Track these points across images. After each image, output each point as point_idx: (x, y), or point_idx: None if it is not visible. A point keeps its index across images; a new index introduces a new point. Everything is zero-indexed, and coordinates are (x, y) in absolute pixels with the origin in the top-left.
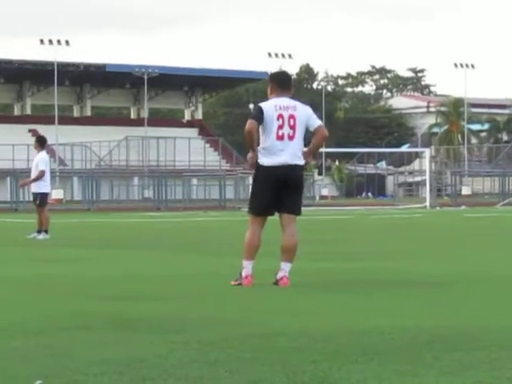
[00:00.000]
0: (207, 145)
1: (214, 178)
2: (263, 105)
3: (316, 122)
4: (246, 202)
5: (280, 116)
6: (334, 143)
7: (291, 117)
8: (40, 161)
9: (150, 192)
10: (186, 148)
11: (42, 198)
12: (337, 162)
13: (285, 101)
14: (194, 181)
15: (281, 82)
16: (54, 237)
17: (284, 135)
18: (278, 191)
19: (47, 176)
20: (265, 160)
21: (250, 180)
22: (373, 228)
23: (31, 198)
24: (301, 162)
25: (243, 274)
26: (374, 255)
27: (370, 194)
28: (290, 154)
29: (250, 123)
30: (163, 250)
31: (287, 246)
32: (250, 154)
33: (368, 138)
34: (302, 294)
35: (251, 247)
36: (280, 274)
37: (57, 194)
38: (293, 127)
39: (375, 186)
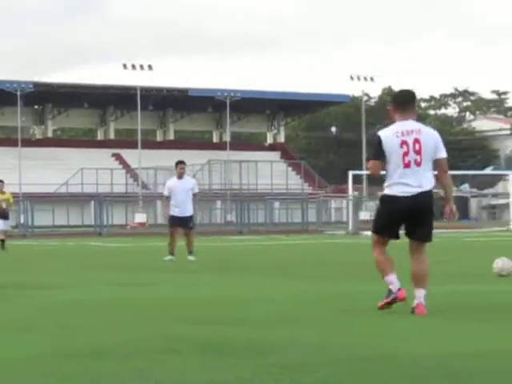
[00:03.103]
0: (289, 168)
1: (297, 201)
2: (382, 133)
3: (442, 153)
4: (328, 225)
5: (404, 143)
6: None
7: (416, 141)
8: (195, 185)
9: (233, 215)
10: (269, 171)
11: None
12: None
13: (408, 124)
14: (277, 204)
15: (402, 102)
16: (137, 261)
17: (411, 162)
18: (407, 219)
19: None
20: (391, 190)
21: (333, 203)
22: (462, 250)
23: (114, 222)
24: (430, 186)
25: (393, 289)
26: (472, 277)
27: None
28: (418, 180)
29: (372, 165)
30: (247, 273)
31: (417, 272)
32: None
33: (451, 161)
34: (412, 319)
35: (384, 264)
36: (415, 302)
37: (140, 218)
38: (419, 152)
39: (458, 208)
